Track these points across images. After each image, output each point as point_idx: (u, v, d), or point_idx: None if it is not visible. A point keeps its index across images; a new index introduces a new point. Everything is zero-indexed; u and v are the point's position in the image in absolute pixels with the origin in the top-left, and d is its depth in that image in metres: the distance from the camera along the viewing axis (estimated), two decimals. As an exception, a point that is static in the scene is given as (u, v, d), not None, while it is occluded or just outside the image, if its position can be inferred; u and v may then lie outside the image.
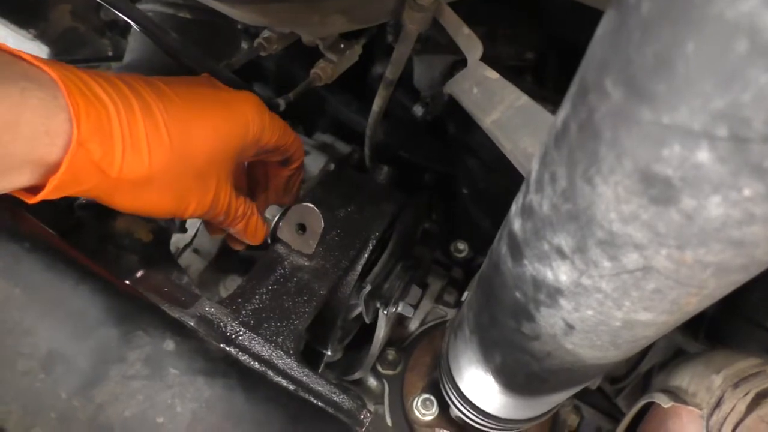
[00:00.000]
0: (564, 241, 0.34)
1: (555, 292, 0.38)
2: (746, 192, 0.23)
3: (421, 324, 1.01)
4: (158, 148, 0.56)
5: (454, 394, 0.73)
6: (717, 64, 0.20)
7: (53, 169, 0.49)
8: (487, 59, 0.67)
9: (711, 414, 0.56)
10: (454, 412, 0.77)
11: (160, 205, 0.60)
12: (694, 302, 0.32)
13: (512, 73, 0.64)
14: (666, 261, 0.28)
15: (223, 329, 0.60)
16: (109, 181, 0.53)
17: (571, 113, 0.29)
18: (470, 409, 0.72)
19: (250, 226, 0.72)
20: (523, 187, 0.40)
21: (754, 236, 0.25)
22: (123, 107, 0.53)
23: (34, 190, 0.51)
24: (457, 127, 1.11)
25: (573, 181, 0.30)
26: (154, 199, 0.59)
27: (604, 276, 0.32)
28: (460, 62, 0.68)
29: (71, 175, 0.50)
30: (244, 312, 0.63)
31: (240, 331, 0.60)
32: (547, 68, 1.07)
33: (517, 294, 0.42)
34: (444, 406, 0.86)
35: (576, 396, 0.97)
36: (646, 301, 0.33)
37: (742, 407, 0.54)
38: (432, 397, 0.89)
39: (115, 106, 0.53)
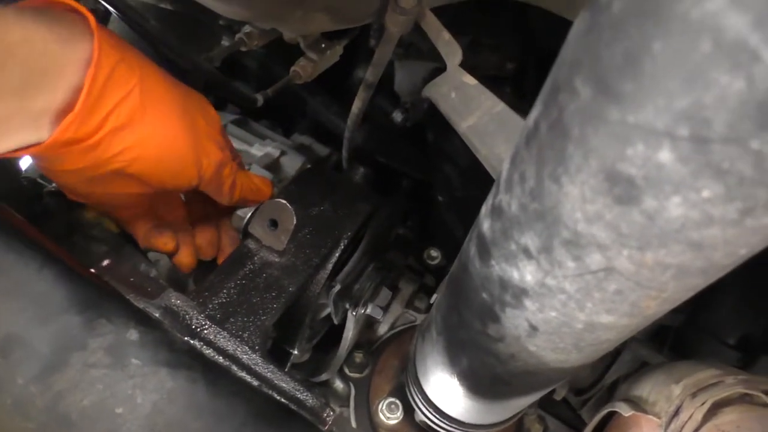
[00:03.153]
0: (530, 241, 0.34)
1: (520, 293, 0.38)
2: (705, 193, 0.23)
3: (391, 328, 1.01)
4: (169, 82, 0.61)
5: (419, 397, 0.73)
6: (682, 64, 0.20)
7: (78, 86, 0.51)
8: (468, 67, 0.68)
9: (669, 422, 0.57)
10: (419, 416, 0.77)
11: (185, 145, 0.61)
12: (653, 305, 0.33)
13: (492, 83, 0.65)
14: (627, 262, 0.29)
15: (189, 322, 0.59)
16: (138, 102, 0.56)
17: (543, 112, 0.30)
18: (434, 413, 0.72)
19: (256, 181, 0.75)
20: (493, 189, 0.40)
21: (712, 239, 0.25)
22: (129, 48, 0.57)
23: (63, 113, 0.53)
24: (435, 134, 1.12)
25: (541, 180, 0.30)
26: (180, 140, 0.60)
27: (568, 276, 0.33)
28: (441, 69, 0.69)
29: (106, 79, 0.53)
30: (210, 306, 0.62)
31: (205, 324, 0.59)
32: (527, 80, 1.08)
33: (484, 295, 0.43)
34: (409, 411, 0.86)
35: (541, 406, 0.97)
36: (607, 303, 0.33)
37: (699, 416, 0.54)
38: (397, 401, 0.89)
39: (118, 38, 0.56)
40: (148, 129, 0.58)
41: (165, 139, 0.59)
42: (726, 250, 0.26)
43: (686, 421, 0.55)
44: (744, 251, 0.27)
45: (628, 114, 0.23)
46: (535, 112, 0.32)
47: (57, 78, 0.50)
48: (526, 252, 0.35)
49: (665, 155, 0.23)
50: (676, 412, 0.57)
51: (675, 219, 0.25)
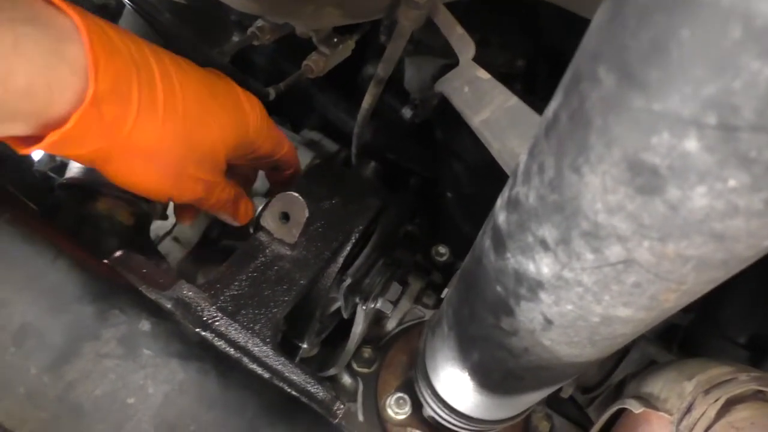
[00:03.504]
0: (548, 232, 0.34)
1: (536, 286, 0.38)
2: (731, 183, 0.23)
3: (399, 323, 1.01)
4: (172, 118, 0.55)
5: (428, 392, 0.73)
6: (711, 50, 0.20)
7: (55, 123, 0.47)
8: (478, 64, 0.67)
9: (681, 419, 0.56)
10: (427, 411, 0.77)
11: (159, 184, 0.58)
12: (672, 298, 0.32)
13: (502, 81, 0.65)
14: (648, 254, 0.29)
15: (200, 313, 0.59)
16: (115, 143, 0.51)
17: (563, 102, 0.29)
18: (443, 408, 0.72)
19: (241, 209, 0.72)
20: (509, 181, 0.40)
21: (735, 230, 0.25)
22: (143, 66, 0.52)
23: (29, 140, 0.49)
24: (444, 131, 1.12)
25: (561, 170, 0.30)
26: (153, 176, 0.57)
27: (586, 269, 0.33)
28: (451, 66, 0.68)
29: (77, 134, 0.48)
30: (222, 297, 0.63)
31: (217, 316, 0.60)
32: (537, 77, 1.08)
33: (498, 288, 0.43)
34: (417, 406, 0.86)
35: (548, 404, 0.97)
36: (625, 296, 0.33)
37: (712, 413, 0.54)
38: (406, 396, 0.89)
39: (135, 64, 0.51)
40: (119, 173, 0.55)
41: (135, 183, 0.57)
42: (749, 241, 0.26)
43: (699, 418, 0.55)
44: (767, 243, 0.26)
45: (653, 102, 0.23)
46: (554, 103, 0.31)
47: (30, 116, 0.46)
48: (544, 244, 0.35)
49: (691, 144, 0.22)
50: (689, 409, 0.56)
51: (699, 209, 0.25)
